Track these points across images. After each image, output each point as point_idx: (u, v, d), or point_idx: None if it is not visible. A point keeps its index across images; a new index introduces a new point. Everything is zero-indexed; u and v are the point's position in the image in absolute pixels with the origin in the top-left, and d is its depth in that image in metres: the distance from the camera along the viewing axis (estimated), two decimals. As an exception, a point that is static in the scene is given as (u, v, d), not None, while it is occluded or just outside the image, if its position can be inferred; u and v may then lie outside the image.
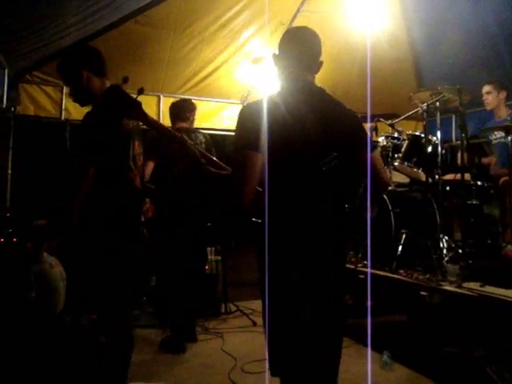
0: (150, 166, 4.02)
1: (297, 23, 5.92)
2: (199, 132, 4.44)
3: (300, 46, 2.17)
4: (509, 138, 4.19)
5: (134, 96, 2.05)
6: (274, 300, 2.02)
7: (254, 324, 4.77)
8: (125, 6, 4.74)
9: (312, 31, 2.21)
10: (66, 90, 5.87)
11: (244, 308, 5.12)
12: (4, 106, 5.35)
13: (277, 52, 2.21)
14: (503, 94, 4.98)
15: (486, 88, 5.00)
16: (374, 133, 4.77)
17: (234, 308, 5.18)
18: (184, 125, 4.32)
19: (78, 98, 2.82)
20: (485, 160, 4.90)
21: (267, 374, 3.12)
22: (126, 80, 2.13)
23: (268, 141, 1.89)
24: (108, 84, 2.78)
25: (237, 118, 2.02)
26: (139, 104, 2.50)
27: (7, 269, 3.65)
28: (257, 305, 5.23)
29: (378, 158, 2.34)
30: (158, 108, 6.25)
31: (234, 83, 6.64)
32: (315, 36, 2.20)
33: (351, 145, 2.08)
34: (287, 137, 1.95)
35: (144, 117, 2.58)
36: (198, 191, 4.11)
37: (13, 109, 5.53)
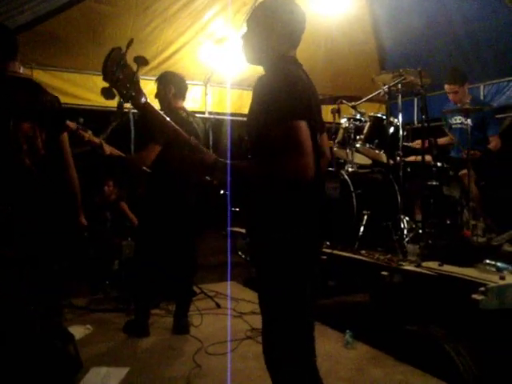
0: (156, 149, 3.76)
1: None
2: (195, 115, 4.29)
3: (293, 18, 2.08)
4: (468, 120, 4.28)
5: (135, 69, 1.90)
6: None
7: (218, 306, 4.78)
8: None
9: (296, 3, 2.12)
10: (23, 70, 5.69)
11: (207, 290, 5.12)
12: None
13: (254, 29, 2.09)
14: (466, 86, 5.05)
15: (451, 87, 5.04)
16: (336, 115, 4.81)
17: (197, 290, 5.18)
18: (183, 105, 4.13)
19: None
20: (441, 140, 4.98)
21: (230, 355, 3.16)
22: (142, 61, 1.96)
23: (306, 108, 1.86)
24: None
25: (262, 90, 1.93)
26: None
27: None
28: (220, 287, 5.26)
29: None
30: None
31: (197, 64, 6.56)
32: (300, 8, 2.11)
33: (322, 122, 2.15)
34: (315, 107, 1.97)
35: None
36: (192, 180, 4.05)
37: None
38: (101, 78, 1.90)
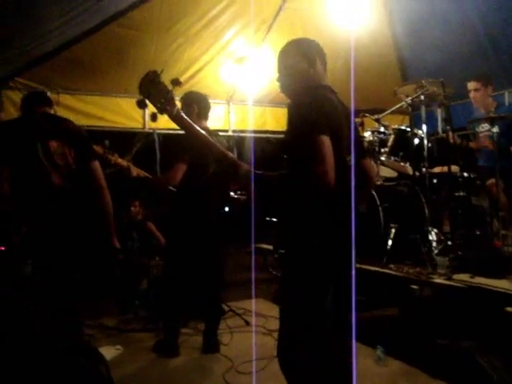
0: (182, 168, 3.78)
1: (279, 21, 5.92)
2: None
3: (319, 52, 2.38)
4: (494, 129, 4.22)
5: (170, 87, 2.10)
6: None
7: (247, 324, 4.76)
8: (105, 10, 4.70)
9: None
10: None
11: (236, 308, 5.11)
12: (-13, 113, 5.33)
13: (293, 57, 2.34)
14: (490, 89, 4.98)
15: (473, 85, 4.95)
16: (360, 128, 4.79)
17: (226, 308, 5.16)
18: (206, 124, 4.14)
19: None
20: (472, 144, 4.92)
21: (261, 373, 3.13)
22: (177, 83, 2.17)
23: (330, 125, 2.05)
24: None
25: (293, 110, 2.16)
26: None
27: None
28: (248, 305, 5.23)
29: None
30: (144, 111, 6.24)
31: (220, 83, 6.61)
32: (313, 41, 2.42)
33: (361, 147, 2.44)
34: (339, 127, 2.15)
35: None
36: (220, 197, 4.08)
37: (-4, 115, 5.50)
38: (125, 100, 2.16)
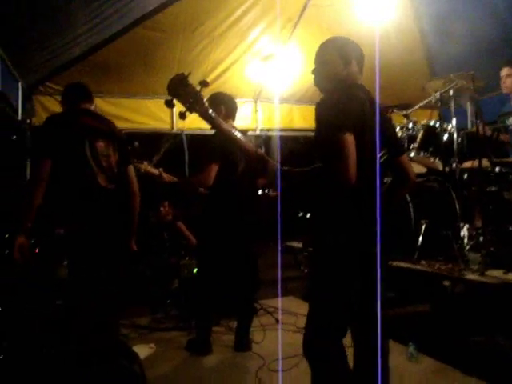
0: (215, 168, 3.79)
1: (305, 18, 5.90)
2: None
3: (357, 53, 2.42)
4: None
5: (198, 88, 2.14)
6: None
7: (278, 322, 4.77)
8: (131, 13, 4.77)
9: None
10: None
11: (266, 306, 5.12)
12: (20, 118, 5.43)
13: (320, 64, 2.41)
14: None
15: (507, 70, 4.76)
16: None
17: (257, 307, 5.17)
18: (233, 124, 4.12)
19: None
20: (503, 137, 4.81)
21: (289, 371, 3.13)
22: (204, 84, 2.22)
23: (356, 123, 2.10)
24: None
25: (320, 108, 2.22)
26: None
27: (32, 278, 3.70)
28: (278, 303, 5.24)
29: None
30: (171, 111, 6.30)
31: (246, 82, 6.63)
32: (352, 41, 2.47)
33: (396, 146, 2.49)
34: (368, 126, 2.18)
35: None
36: (253, 197, 4.11)
37: (28, 120, 5.61)
38: (153, 101, 2.20)
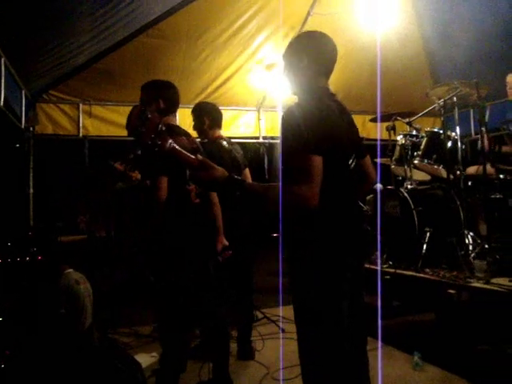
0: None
1: (308, 26, 5.90)
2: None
3: (321, 50, 2.20)
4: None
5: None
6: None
7: (282, 331, 4.74)
8: (134, 21, 4.79)
9: (327, 35, 2.23)
10: (82, 107, 5.96)
11: (270, 315, 5.09)
12: (23, 126, 5.44)
13: (291, 56, 2.24)
14: None
15: None
16: (391, 132, 4.74)
17: (260, 315, 5.15)
18: (220, 133, 4.15)
19: None
20: (506, 148, 4.80)
21: (292, 380, 3.11)
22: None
23: (325, 143, 1.93)
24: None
25: (287, 120, 2.01)
26: None
27: (34, 286, 3.68)
28: (282, 311, 5.21)
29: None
30: (176, 118, 6.30)
31: (249, 90, 6.65)
32: (331, 40, 2.22)
33: (361, 148, 2.30)
34: (339, 139, 2.03)
35: None
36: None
37: (32, 128, 5.62)
38: None
